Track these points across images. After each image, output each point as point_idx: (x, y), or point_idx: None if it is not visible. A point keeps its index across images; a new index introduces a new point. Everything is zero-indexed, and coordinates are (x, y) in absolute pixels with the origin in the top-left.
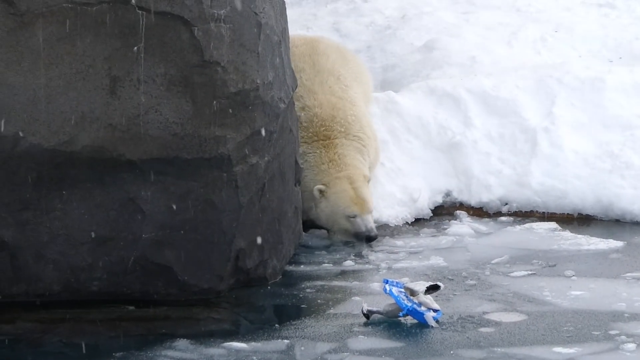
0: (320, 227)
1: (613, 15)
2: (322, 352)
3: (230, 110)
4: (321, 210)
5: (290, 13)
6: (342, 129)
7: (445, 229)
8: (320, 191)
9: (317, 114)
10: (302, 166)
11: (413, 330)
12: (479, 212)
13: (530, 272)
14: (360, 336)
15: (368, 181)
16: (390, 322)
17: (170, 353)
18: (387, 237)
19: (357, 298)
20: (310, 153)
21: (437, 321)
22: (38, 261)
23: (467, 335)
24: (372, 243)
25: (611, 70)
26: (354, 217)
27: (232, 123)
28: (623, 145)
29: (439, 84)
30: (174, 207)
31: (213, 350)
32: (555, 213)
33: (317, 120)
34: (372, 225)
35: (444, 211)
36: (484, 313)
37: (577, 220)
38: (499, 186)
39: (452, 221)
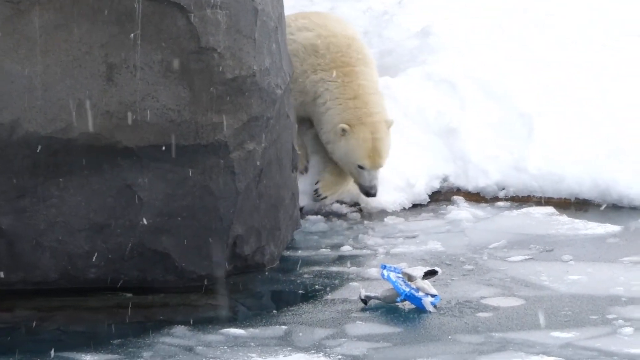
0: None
1: (606, 0)
2: (320, 337)
3: (227, 97)
4: (338, 148)
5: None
6: (360, 56)
7: (443, 214)
8: (344, 130)
9: (332, 42)
10: (322, 94)
11: (411, 316)
12: (476, 197)
13: (527, 257)
14: (358, 322)
15: (389, 126)
16: (388, 308)
17: (168, 340)
18: (384, 223)
19: (354, 283)
20: (331, 82)
21: (434, 306)
22: (35, 249)
23: (464, 320)
24: (370, 230)
25: (606, 55)
26: (363, 169)
27: (229, 109)
28: (620, 129)
29: (436, 70)
30: (171, 193)
31: (211, 337)
32: (552, 198)
33: (334, 47)
34: (376, 182)
35: (441, 196)
36: (482, 298)
37: (574, 204)
38: (496, 171)
39: (450, 206)
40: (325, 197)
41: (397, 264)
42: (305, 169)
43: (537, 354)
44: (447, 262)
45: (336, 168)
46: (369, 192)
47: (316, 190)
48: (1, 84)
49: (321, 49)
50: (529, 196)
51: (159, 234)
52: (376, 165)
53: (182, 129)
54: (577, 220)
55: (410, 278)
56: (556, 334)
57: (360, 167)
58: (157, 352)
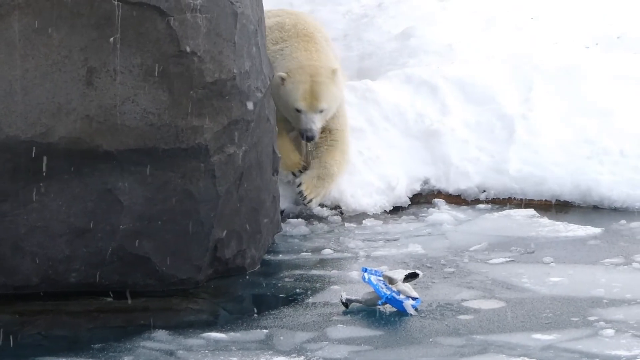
0: None
1: (589, 2)
2: (301, 341)
3: (207, 100)
4: (279, 98)
5: (266, 2)
6: (321, 35)
7: (424, 216)
8: (282, 78)
9: (300, 22)
10: (277, 61)
11: (392, 319)
12: (457, 199)
13: (508, 259)
14: (339, 325)
15: (333, 74)
16: (369, 311)
17: (149, 344)
18: (365, 225)
19: (336, 287)
20: (289, 46)
21: (416, 309)
22: (16, 253)
23: (446, 323)
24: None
25: (588, 57)
26: (300, 112)
27: (209, 113)
28: (600, 131)
29: (416, 72)
30: (152, 197)
31: (192, 341)
32: (533, 200)
33: (301, 25)
34: (313, 126)
35: (422, 199)
36: (463, 300)
37: (555, 206)
38: (476, 173)
39: (430, 209)
40: (310, 201)
41: (378, 267)
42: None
43: (519, 356)
44: (428, 264)
45: (316, 168)
46: (307, 135)
47: (300, 193)
48: None
49: (287, 25)
50: (509, 198)
51: (140, 238)
52: (312, 108)
53: (162, 133)
54: (558, 222)
55: (391, 281)
56: (537, 336)
57: (298, 110)
58: (138, 356)
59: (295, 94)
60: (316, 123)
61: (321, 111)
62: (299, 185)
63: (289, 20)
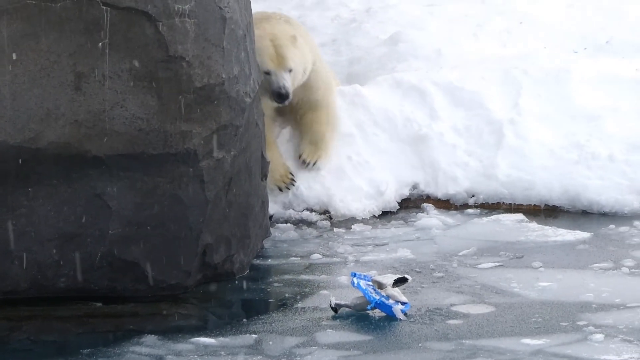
0: None
1: (578, 6)
2: (290, 346)
3: (196, 105)
4: None
5: (255, 7)
6: (281, 16)
7: (413, 221)
8: None
9: (273, 16)
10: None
11: (381, 323)
12: (445, 204)
13: (497, 264)
14: (328, 330)
15: (293, 38)
16: (358, 316)
17: (138, 349)
18: (354, 230)
19: (325, 292)
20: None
21: (405, 314)
22: (4, 258)
23: (435, 328)
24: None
25: (576, 61)
26: (269, 73)
27: (198, 118)
28: (589, 135)
29: (405, 77)
30: (141, 202)
31: (181, 346)
32: (522, 204)
33: (280, 15)
34: (284, 83)
35: (411, 204)
36: (452, 305)
37: (544, 211)
38: (465, 178)
39: (419, 214)
40: (315, 163)
41: (367, 272)
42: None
43: None
44: (417, 269)
45: (306, 135)
46: (279, 92)
47: (303, 161)
48: None
49: (271, 15)
50: (498, 203)
51: (129, 243)
52: (280, 66)
53: (151, 138)
54: (547, 227)
55: (380, 286)
56: (527, 340)
57: (267, 72)
58: None
59: (260, 59)
60: (287, 81)
61: (290, 70)
62: (300, 156)
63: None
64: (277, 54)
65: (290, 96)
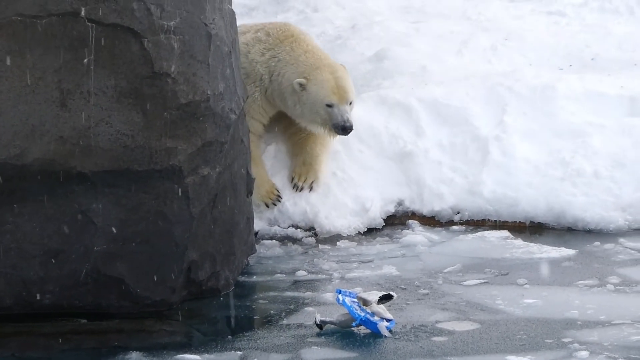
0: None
1: (563, 23)
2: None
3: (181, 122)
4: (303, 104)
5: (241, 24)
6: (300, 31)
7: (398, 238)
8: (301, 85)
9: (269, 27)
10: (275, 67)
11: (366, 340)
12: (431, 221)
13: (482, 281)
14: (313, 347)
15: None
16: (343, 332)
17: None
18: (339, 247)
19: (310, 308)
20: (281, 52)
21: (390, 331)
22: None
23: (420, 345)
24: (328, 252)
25: (562, 78)
26: (332, 106)
27: (183, 134)
28: (574, 152)
29: (390, 94)
30: (126, 219)
31: None
32: (507, 221)
33: (273, 30)
34: (349, 116)
35: (396, 220)
36: (437, 322)
37: (529, 228)
38: (450, 195)
39: (405, 230)
40: (302, 188)
41: (353, 289)
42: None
43: None
44: (402, 286)
45: (299, 155)
46: (345, 126)
47: (295, 185)
48: None
49: (262, 36)
50: (483, 220)
51: (114, 259)
52: (344, 100)
53: (136, 154)
54: (532, 244)
55: (365, 303)
56: (512, 357)
57: (329, 105)
58: None
59: (323, 92)
60: (349, 114)
61: (350, 103)
62: (293, 179)
63: (260, 32)
64: (339, 86)
65: (353, 128)
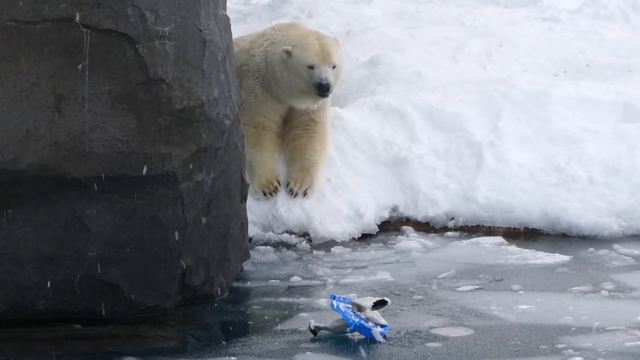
0: None
1: (557, 29)
2: None
3: (176, 128)
4: (289, 71)
5: (235, 29)
6: (305, 27)
7: (392, 244)
8: (287, 51)
9: (276, 25)
10: (270, 54)
11: (360, 346)
12: (425, 227)
13: (477, 287)
14: (307, 352)
15: (337, 41)
16: (337, 338)
17: None
18: (334, 253)
19: (304, 314)
20: (276, 36)
21: (384, 336)
22: None
23: (414, 351)
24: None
25: (556, 84)
26: (313, 67)
27: (178, 140)
28: (569, 158)
29: (385, 99)
30: (120, 224)
31: None
32: (501, 227)
33: (278, 25)
34: (327, 75)
35: (391, 226)
36: (431, 328)
37: (523, 234)
38: (445, 201)
39: (399, 236)
40: (297, 194)
41: (347, 295)
42: (276, 190)
43: None
44: (397, 292)
45: (298, 160)
46: (321, 84)
47: (290, 190)
48: None
49: (268, 31)
50: (478, 226)
51: (108, 265)
52: (326, 61)
53: (130, 160)
54: (526, 250)
55: (359, 308)
56: None
57: (310, 67)
58: None
59: (306, 53)
60: (330, 76)
61: (333, 67)
62: (288, 184)
63: (274, 26)
64: (322, 50)
65: (332, 89)
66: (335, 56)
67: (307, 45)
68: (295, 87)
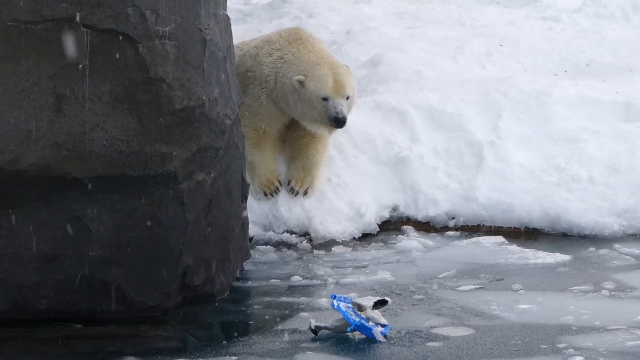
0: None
1: (558, 29)
2: None
3: (176, 127)
4: (302, 101)
5: (235, 29)
6: (310, 36)
7: (393, 243)
8: (300, 82)
9: (282, 31)
10: (280, 68)
11: (361, 346)
12: (426, 226)
13: (477, 286)
14: (308, 352)
15: (348, 70)
16: (338, 338)
17: None
18: (334, 252)
19: (304, 314)
20: (287, 54)
21: (385, 336)
22: None
23: (415, 350)
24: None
25: (556, 84)
26: (327, 99)
27: (178, 140)
28: (569, 158)
29: (385, 99)
30: (120, 224)
31: None
32: (502, 227)
33: (285, 32)
34: (342, 108)
35: (391, 226)
36: (432, 327)
37: (524, 234)
38: (445, 201)
39: (399, 236)
40: (298, 192)
41: (347, 294)
42: (277, 190)
43: None
44: (397, 291)
45: (300, 159)
46: (337, 117)
47: (292, 189)
48: None
49: (274, 37)
50: (478, 225)
51: (109, 264)
52: (340, 93)
53: (131, 160)
54: (527, 250)
55: (360, 308)
56: None
57: (324, 99)
58: None
59: (320, 85)
60: (344, 107)
61: (347, 98)
62: (289, 183)
63: (279, 32)
64: (337, 81)
65: (347, 122)
66: (349, 87)
67: (321, 77)
68: (308, 116)
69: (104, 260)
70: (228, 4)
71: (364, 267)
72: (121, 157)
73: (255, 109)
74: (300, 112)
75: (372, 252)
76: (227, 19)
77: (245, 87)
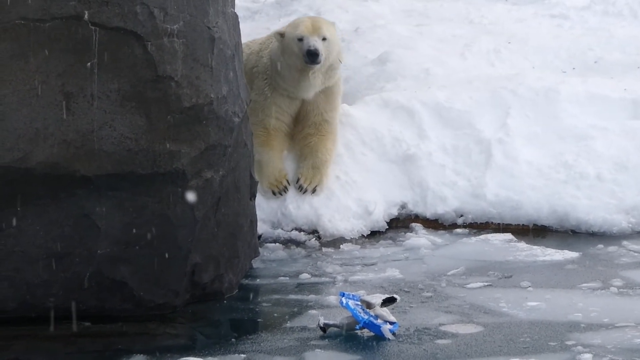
0: None
1: (566, 26)
2: None
3: (185, 125)
4: (283, 52)
5: (244, 27)
6: None
7: (401, 241)
8: (280, 33)
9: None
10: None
11: (370, 343)
12: (434, 224)
13: (486, 284)
14: (317, 350)
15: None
16: (347, 335)
17: None
18: (343, 250)
19: (313, 311)
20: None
21: (393, 334)
22: None
23: (423, 348)
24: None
25: (565, 81)
26: (302, 39)
27: (187, 138)
28: (577, 155)
29: (393, 97)
30: (129, 222)
31: None
32: (510, 224)
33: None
34: (315, 44)
35: (400, 223)
36: (441, 325)
37: (532, 231)
38: (454, 198)
39: (408, 233)
40: (306, 190)
41: (356, 292)
42: (285, 189)
43: None
44: (406, 289)
45: (309, 158)
46: (310, 50)
47: (300, 187)
48: None
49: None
50: (487, 223)
51: (117, 262)
52: (315, 33)
53: (139, 158)
54: (535, 247)
55: (369, 305)
56: None
57: (300, 39)
58: None
59: (297, 29)
60: (318, 45)
61: (324, 39)
62: (297, 180)
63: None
64: (313, 24)
65: (322, 59)
66: (326, 29)
67: (298, 22)
68: (292, 68)
69: (112, 258)
70: (236, 1)
71: (372, 264)
72: (130, 155)
73: (261, 103)
74: (286, 71)
75: (380, 250)
76: (236, 16)
77: (252, 85)
